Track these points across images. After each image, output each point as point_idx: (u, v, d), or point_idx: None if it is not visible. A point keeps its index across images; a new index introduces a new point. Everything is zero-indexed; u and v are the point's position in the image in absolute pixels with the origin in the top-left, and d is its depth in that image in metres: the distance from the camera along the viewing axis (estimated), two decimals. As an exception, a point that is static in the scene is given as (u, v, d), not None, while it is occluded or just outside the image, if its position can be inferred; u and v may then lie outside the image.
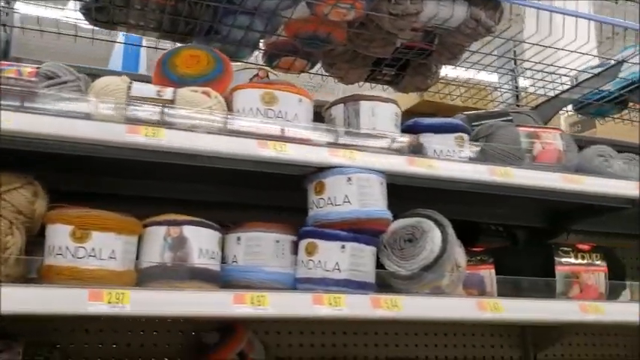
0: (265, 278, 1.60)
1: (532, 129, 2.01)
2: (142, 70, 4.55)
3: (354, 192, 1.63)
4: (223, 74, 1.72)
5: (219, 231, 1.60)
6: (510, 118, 2.28)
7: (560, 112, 2.87)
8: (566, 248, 1.95)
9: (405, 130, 2.01)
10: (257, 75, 2.06)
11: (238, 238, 1.63)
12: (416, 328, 2.50)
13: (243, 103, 1.65)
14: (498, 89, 2.74)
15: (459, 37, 2.08)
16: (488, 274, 1.86)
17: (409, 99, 2.76)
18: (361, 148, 1.69)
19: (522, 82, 2.90)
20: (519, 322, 1.92)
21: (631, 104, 2.84)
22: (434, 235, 1.71)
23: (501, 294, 1.85)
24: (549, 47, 2.33)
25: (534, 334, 2.58)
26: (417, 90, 2.49)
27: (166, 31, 2.06)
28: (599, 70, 2.45)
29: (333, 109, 1.86)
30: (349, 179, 1.63)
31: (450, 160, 1.83)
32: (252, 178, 1.76)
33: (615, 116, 2.92)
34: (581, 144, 2.32)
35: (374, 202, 1.65)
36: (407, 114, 2.76)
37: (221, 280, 1.56)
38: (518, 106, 2.80)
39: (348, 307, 1.54)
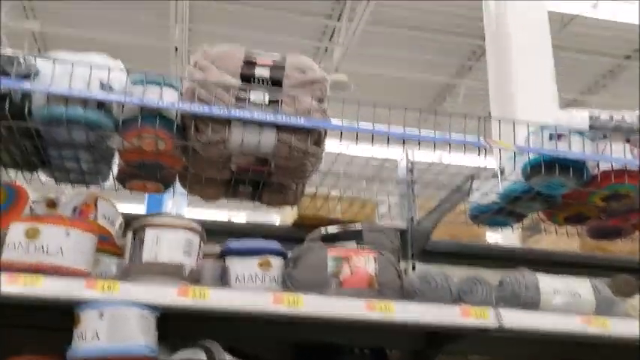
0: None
1: (342, 252, 1.93)
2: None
3: (105, 327, 1.60)
4: (8, 209, 1.78)
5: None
6: (361, 236, 2.23)
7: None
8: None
9: (220, 253, 2.00)
10: (84, 202, 2.10)
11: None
12: None
13: (10, 237, 1.69)
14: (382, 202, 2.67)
15: (280, 160, 2.07)
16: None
17: (292, 212, 2.74)
18: (127, 279, 1.69)
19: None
20: None
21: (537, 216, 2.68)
22: (199, 366, 1.65)
23: None
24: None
25: None
26: (282, 205, 2.47)
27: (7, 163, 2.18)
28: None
29: (128, 237, 1.87)
30: (101, 315, 1.61)
31: (233, 290, 1.78)
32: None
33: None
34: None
35: (129, 338, 1.61)
36: (295, 227, 2.78)
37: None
38: (412, 219, 2.69)
39: None
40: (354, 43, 10.18)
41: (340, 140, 2.11)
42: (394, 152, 2.32)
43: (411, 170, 2.70)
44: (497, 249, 2.99)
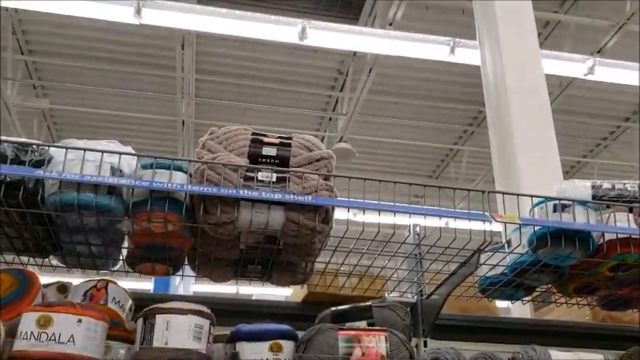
0: None
1: (353, 332, 1.93)
2: None
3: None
4: (20, 297, 1.80)
5: None
6: (371, 314, 2.22)
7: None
8: None
9: (230, 337, 1.99)
10: (95, 287, 2.12)
11: None
12: None
13: (22, 326, 1.70)
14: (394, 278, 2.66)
15: (288, 238, 2.09)
16: None
17: (302, 290, 2.74)
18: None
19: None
20: None
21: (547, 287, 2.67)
22: None
23: None
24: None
25: None
26: (292, 284, 2.47)
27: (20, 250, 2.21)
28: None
29: (138, 322, 1.87)
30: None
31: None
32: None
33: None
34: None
35: None
36: (304, 303, 2.77)
37: None
38: (421, 293, 2.68)
39: None
40: (357, 112, 10.39)
41: (348, 212, 2.13)
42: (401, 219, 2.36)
43: (418, 244, 2.70)
44: (508, 321, 2.96)
